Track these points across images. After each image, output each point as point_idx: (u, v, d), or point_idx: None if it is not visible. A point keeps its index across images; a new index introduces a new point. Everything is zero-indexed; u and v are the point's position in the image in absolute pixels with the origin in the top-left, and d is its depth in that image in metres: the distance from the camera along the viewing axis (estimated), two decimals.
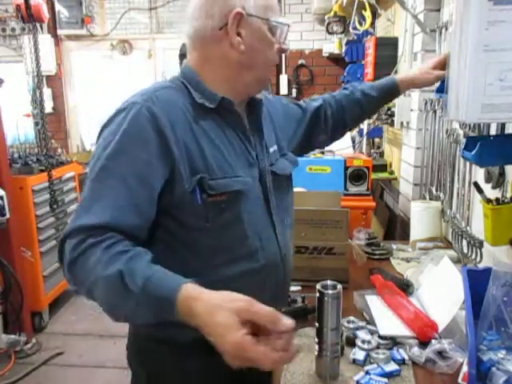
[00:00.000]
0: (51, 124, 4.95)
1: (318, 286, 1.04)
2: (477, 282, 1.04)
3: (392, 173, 3.06)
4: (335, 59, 5.12)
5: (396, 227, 2.79)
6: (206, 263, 1.04)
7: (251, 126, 1.15)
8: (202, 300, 0.79)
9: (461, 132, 1.79)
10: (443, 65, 1.31)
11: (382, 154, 3.44)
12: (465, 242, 1.72)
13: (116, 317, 0.91)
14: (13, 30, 5.09)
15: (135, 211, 0.95)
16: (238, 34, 1.03)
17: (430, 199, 2.17)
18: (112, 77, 5.39)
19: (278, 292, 1.17)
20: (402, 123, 2.55)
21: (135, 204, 0.95)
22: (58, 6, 5.07)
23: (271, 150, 1.19)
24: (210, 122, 1.05)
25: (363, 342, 1.17)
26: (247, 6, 1.02)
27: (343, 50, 3.83)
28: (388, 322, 1.26)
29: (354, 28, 3.29)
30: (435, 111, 2.10)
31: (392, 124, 2.73)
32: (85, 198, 0.95)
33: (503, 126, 1.37)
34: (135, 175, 0.95)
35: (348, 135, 3.22)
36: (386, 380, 1.03)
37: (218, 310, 0.76)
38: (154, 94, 1.01)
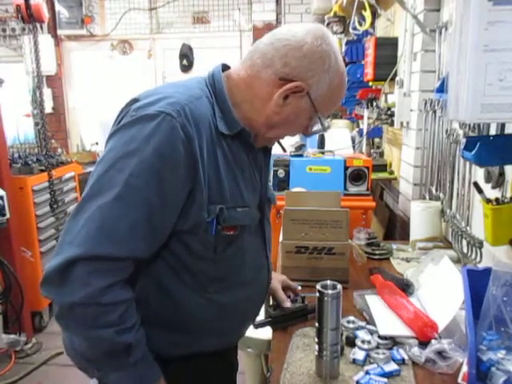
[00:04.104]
0: (51, 124, 4.95)
1: (318, 286, 1.04)
2: (477, 282, 1.05)
3: (392, 173, 3.06)
4: None
5: (396, 227, 2.79)
6: (202, 288, 1.04)
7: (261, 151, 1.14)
8: None
9: (461, 132, 1.79)
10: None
11: (381, 154, 3.43)
12: (465, 242, 1.72)
13: (90, 364, 0.99)
14: (13, 30, 5.09)
15: (152, 239, 0.93)
16: (286, 97, 0.99)
17: (430, 199, 2.17)
18: (112, 77, 5.39)
19: (257, 311, 1.23)
20: (401, 123, 2.55)
21: (154, 232, 0.92)
22: (58, 6, 5.07)
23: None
24: (228, 146, 1.02)
25: (363, 341, 1.17)
26: (314, 88, 0.99)
27: (343, 50, 3.82)
28: (388, 322, 1.26)
29: (354, 28, 3.29)
30: (435, 111, 2.10)
31: (392, 124, 2.73)
32: (105, 215, 0.87)
33: (503, 126, 1.38)
34: (161, 201, 0.90)
35: (348, 135, 3.22)
36: (385, 380, 1.03)
37: None
38: (188, 107, 0.93)
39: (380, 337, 1.19)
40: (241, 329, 1.20)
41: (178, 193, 0.93)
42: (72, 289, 0.86)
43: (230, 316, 1.10)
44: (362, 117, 3.38)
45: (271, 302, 1.35)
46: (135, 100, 0.98)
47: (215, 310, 1.06)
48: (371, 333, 1.22)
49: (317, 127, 1.08)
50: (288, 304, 1.32)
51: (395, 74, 2.68)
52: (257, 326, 1.29)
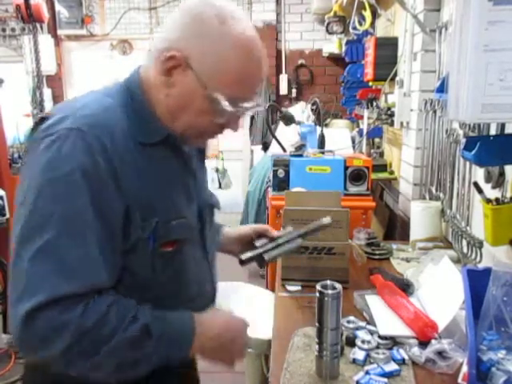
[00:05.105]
0: None
1: (318, 286, 1.04)
2: (477, 282, 1.04)
3: (392, 173, 3.06)
4: (335, 59, 5.12)
5: (396, 227, 2.79)
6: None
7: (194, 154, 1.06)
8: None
9: (461, 132, 1.79)
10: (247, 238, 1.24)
11: (381, 154, 3.44)
12: (465, 242, 1.72)
13: (128, 368, 0.87)
14: (13, 30, 5.09)
15: (107, 262, 0.85)
16: (169, 74, 0.88)
17: (430, 199, 2.17)
18: (112, 77, 5.37)
19: None
20: (401, 123, 2.55)
21: (107, 255, 0.84)
22: (57, 6, 5.08)
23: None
24: (150, 155, 0.92)
25: (363, 341, 1.17)
26: (194, 59, 0.86)
27: (343, 50, 3.83)
28: (388, 322, 1.26)
29: (354, 28, 3.29)
30: (435, 111, 2.10)
31: (392, 124, 2.73)
32: (51, 254, 0.79)
33: (503, 126, 1.38)
34: (101, 221, 0.83)
35: (348, 135, 3.23)
36: (385, 380, 1.03)
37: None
38: (98, 119, 0.86)
39: (380, 337, 1.19)
40: None
41: (113, 208, 0.85)
42: (56, 336, 0.78)
43: None
44: (362, 117, 3.38)
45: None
46: (43, 119, 0.90)
47: None
48: (371, 333, 1.22)
49: (225, 112, 0.90)
50: (275, 233, 1.21)
51: (395, 74, 2.68)
52: (243, 262, 1.15)
